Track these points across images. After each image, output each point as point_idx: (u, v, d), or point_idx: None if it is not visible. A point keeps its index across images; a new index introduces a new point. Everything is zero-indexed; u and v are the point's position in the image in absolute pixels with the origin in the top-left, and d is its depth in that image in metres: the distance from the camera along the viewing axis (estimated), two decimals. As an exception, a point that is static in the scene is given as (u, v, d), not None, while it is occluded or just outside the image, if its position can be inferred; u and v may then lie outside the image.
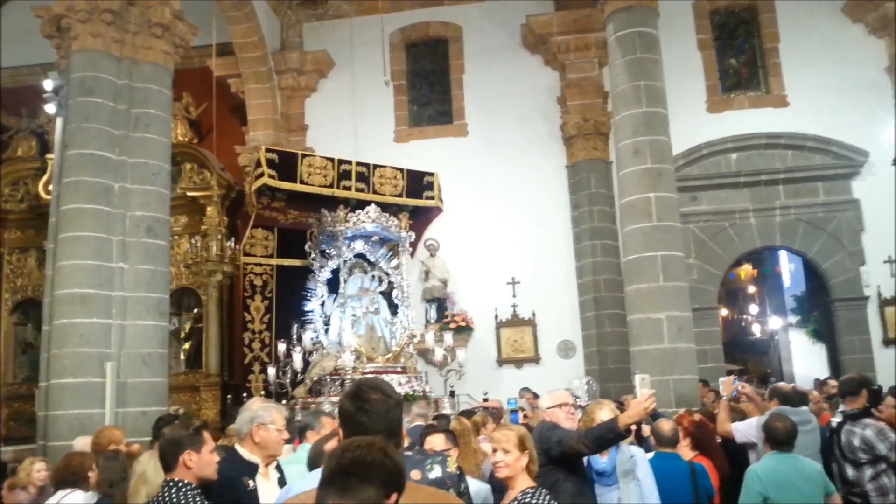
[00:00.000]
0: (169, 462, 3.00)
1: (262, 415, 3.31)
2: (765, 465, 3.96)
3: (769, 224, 12.85)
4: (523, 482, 3.18)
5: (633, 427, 3.86)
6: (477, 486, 3.48)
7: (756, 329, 26.57)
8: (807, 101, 12.79)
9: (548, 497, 3.12)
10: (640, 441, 4.72)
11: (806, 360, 20.11)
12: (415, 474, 2.43)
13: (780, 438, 4.11)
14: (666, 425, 4.55)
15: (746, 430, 5.67)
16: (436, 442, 3.98)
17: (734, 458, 5.44)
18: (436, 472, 2.52)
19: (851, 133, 12.33)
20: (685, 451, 4.66)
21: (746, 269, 24.87)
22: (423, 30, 13.95)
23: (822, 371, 13.38)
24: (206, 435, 3.08)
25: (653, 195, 7.78)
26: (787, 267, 22.82)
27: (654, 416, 6.63)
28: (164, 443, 3.05)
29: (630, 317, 8.05)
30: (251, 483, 3.17)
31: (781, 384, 7.33)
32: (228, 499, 3.09)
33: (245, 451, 3.31)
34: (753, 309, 26.96)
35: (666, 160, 8.00)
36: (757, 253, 14.06)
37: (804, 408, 5.80)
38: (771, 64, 13.33)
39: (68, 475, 4.24)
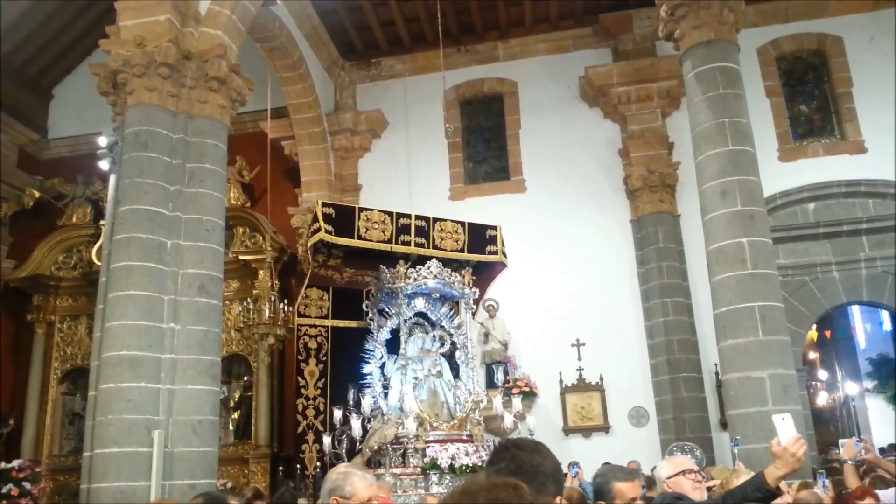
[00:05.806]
0: None
1: (340, 485, 2.63)
2: None
3: (854, 277, 11.96)
4: None
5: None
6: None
7: (822, 397, 24.87)
8: (886, 146, 12.05)
9: None
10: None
11: (883, 428, 18.66)
12: None
13: None
14: (813, 498, 3.75)
15: (886, 499, 4.92)
16: None
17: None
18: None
19: (938, 177, 11.52)
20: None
21: (810, 333, 23.37)
22: (478, 87, 13.70)
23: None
24: None
25: (745, 240, 7.06)
26: (862, 327, 21.38)
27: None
28: None
29: (725, 376, 7.21)
30: None
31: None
32: None
33: None
34: (820, 375, 25.28)
35: (757, 202, 7.31)
36: (824, 315, 13.16)
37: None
38: (845, 109, 12.67)
39: None
